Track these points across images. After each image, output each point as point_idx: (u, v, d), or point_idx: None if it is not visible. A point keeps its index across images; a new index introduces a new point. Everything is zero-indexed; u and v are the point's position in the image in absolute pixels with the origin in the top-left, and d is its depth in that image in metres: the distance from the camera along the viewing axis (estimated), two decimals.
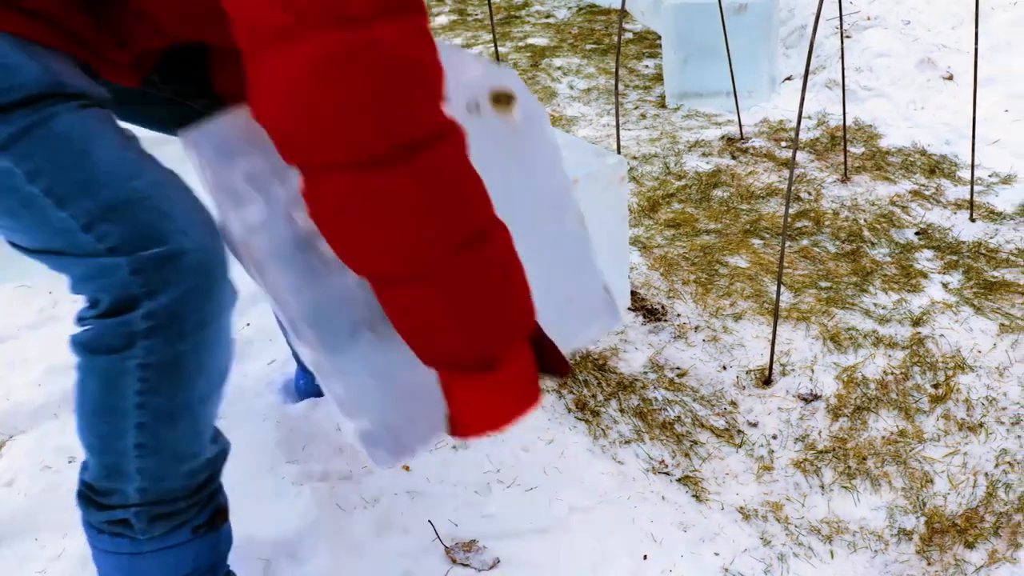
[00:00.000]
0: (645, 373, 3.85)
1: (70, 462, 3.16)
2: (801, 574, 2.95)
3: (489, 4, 5.02)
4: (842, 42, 5.75)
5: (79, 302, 1.98)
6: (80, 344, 1.99)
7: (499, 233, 1.81)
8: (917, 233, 5.10)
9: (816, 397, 3.71)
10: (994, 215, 5.29)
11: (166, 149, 2.17)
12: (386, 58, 1.58)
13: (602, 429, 3.51)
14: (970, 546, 3.05)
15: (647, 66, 8.54)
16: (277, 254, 1.92)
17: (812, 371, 3.86)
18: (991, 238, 5.02)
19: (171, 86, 2.41)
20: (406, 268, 1.73)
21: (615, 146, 5.35)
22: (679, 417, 3.61)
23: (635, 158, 6.33)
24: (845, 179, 5.83)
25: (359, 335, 2.02)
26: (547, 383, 2.94)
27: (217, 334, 2.03)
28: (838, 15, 5.89)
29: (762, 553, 3.00)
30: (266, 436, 3.20)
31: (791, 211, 5.34)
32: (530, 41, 9.29)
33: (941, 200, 5.52)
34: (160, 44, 2.19)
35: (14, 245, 2.04)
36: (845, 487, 3.28)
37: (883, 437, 3.50)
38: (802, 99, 3.65)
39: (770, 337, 3.81)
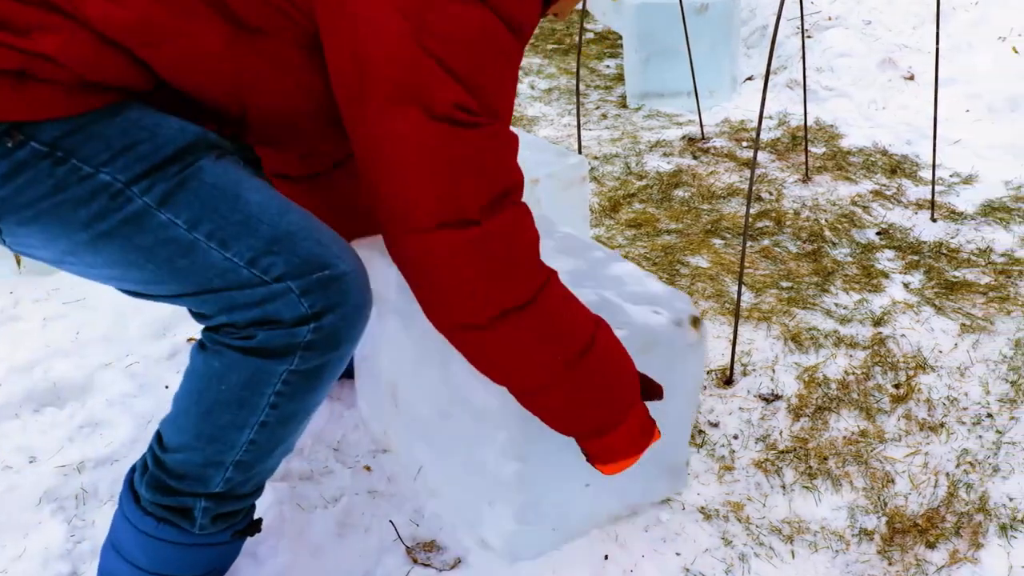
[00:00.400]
0: None
1: (31, 462, 3.13)
2: (762, 574, 2.93)
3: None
4: (803, 42, 5.75)
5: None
6: (233, 346, 2.15)
7: (600, 339, 2.33)
8: (878, 233, 5.10)
9: (777, 397, 3.70)
10: (955, 215, 5.30)
11: None
12: (492, 245, 2.10)
13: None
14: (931, 546, 3.04)
15: (608, 66, 8.55)
16: None
17: (773, 371, 3.85)
18: (952, 238, 5.03)
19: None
20: (532, 383, 2.29)
21: (576, 146, 5.35)
22: None
23: (596, 158, 6.32)
24: (806, 179, 5.83)
25: None
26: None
27: (351, 351, 2.28)
28: (799, 15, 5.89)
29: (723, 553, 2.99)
30: None
31: (752, 211, 5.34)
32: None
33: (902, 200, 5.53)
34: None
35: (139, 295, 2.23)
36: (806, 487, 3.27)
37: (844, 437, 3.49)
38: (763, 99, 3.64)
39: (731, 337, 3.79)
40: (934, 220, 5.22)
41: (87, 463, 3.11)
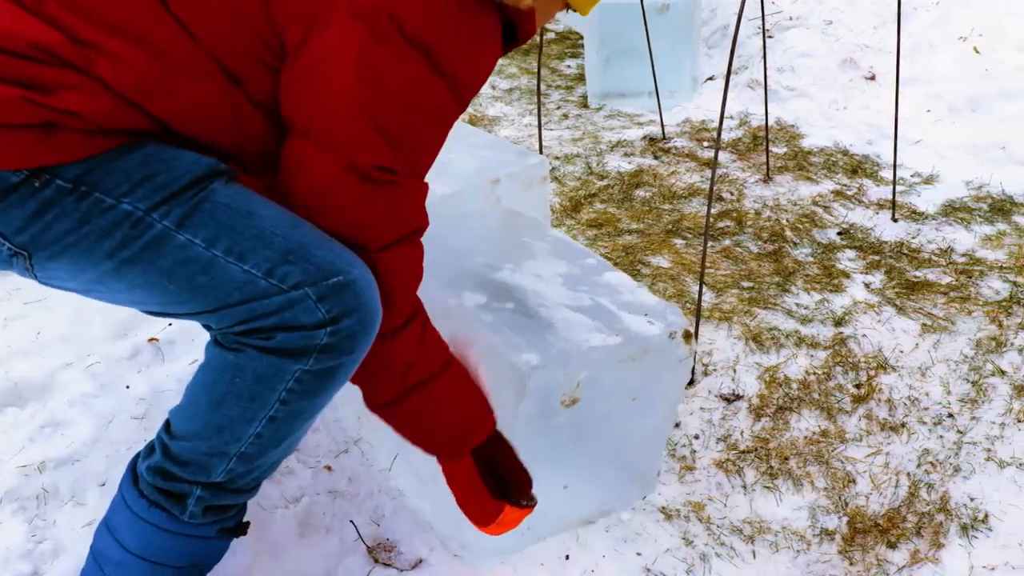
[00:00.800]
0: None
1: None
2: (723, 574, 2.92)
3: None
4: (764, 42, 5.76)
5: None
6: (252, 344, 2.23)
7: (450, 372, 2.52)
8: (839, 233, 5.10)
9: (738, 397, 3.69)
10: (916, 215, 5.31)
11: None
12: (379, 277, 2.28)
13: None
14: (892, 546, 3.04)
15: (569, 66, 8.55)
16: None
17: (734, 371, 3.85)
18: (913, 238, 5.03)
19: None
20: (382, 397, 2.48)
21: (537, 146, 5.34)
22: None
23: (557, 158, 6.31)
24: (767, 179, 5.83)
25: None
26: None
27: (363, 356, 2.32)
28: (760, 15, 5.89)
29: (684, 553, 2.98)
30: None
31: (713, 211, 5.33)
32: None
33: (863, 200, 5.53)
34: None
35: (163, 314, 2.34)
36: (767, 487, 3.26)
37: (805, 437, 3.49)
38: (724, 99, 3.63)
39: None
40: (895, 220, 5.23)
41: (48, 463, 3.07)
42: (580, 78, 8.11)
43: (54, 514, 2.92)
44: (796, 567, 2.97)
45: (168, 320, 3.71)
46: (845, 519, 3.14)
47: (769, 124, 6.32)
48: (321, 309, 2.17)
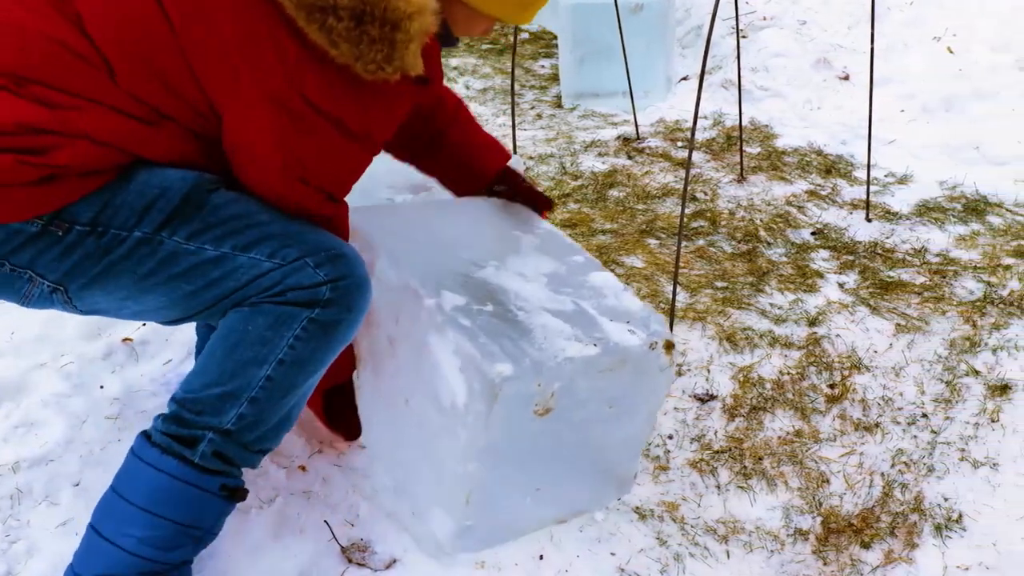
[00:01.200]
0: None
1: None
2: (697, 574, 2.92)
3: None
4: (738, 42, 5.76)
5: None
6: (266, 300, 2.53)
7: None
8: (813, 233, 5.11)
9: (712, 397, 3.69)
10: (890, 215, 5.31)
11: None
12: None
13: None
14: (866, 546, 3.03)
15: (543, 66, 8.55)
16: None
17: (708, 371, 3.84)
18: (887, 238, 5.04)
19: None
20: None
21: (511, 146, 5.32)
22: None
23: (531, 158, 6.29)
24: (741, 179, 5.83)
25: None
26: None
27: (359, 321, 2.65)
28: (734, 15, 5.89)
29: (658, 553, 2.97)
30: None
31: (687, 211, 5.33)
32: None
33: (837, 200, 5.54)
34: None
35: (186, 319, 2.68)
36: (741, 487, 3.26)
37: (779, 437, 3.49)
38: (698, 99, 3.63)
39: None
40: (869, 220, 5.24)
41: (22, 463, 3.06)
42: (554, 78, 8.11)
43: (28, 514, 2.92)
44: (770, 567, 2.97)
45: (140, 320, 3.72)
46: (819, 519, 3.13)
47: (743, 124, 6.32)
48: (320, 273, 2.51)
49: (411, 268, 2.89)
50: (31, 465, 3.07)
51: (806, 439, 3.48)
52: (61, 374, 3.43)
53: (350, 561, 2.85)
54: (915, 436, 3.51)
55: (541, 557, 2.89)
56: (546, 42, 9.15)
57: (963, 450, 3.45)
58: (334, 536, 2.92)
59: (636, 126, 6.73)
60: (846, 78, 7.18)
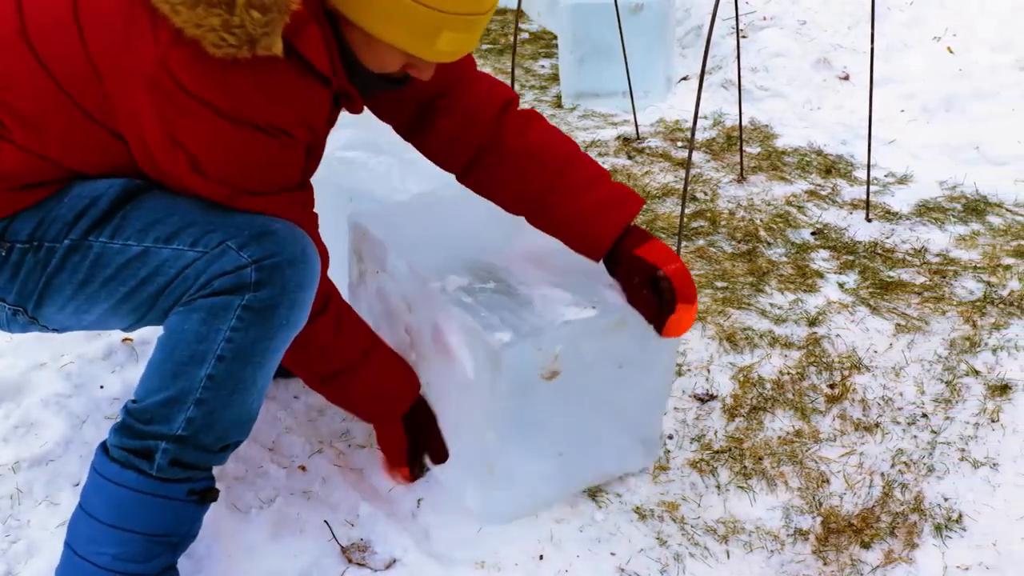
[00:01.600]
0: None
1: None
2: (697, 574, 2.92)
3: None
4: (738, 42, 5.76)
5: None
6: (197, 296, 2.43)
7: (365, 365, 2.89)
8: (813, 233, 5.10)
9: (712, 397, 3.68)
10: (890, 215, 5.31)
11: None
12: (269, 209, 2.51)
13: None
14: (866, 546, 3.03)
15: (543, 66, 8.54)
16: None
17: (708, 371, 3.84)
18: (887, 238, 5.04)
19: None
20: (310, 382, 2.96)
21: None
22: None
23: None
24: (741, 179, 5.83)
25: None
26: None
27: (304, 300, 2.51)
28: (734, 15, 5.89)
29: (658, 553, 2.97)
30: None
31: (687, 211, 5.32)
32: None
33: (837, 200, 5.54)
34: None
35: (135, 326, 2.64)
36: (741, 487, 3.25)
37: (779, 437, 3.48)
38: (698, 99, 3.63)
39: None
40: (869, 220, 5.23)
41: (22, 463, 3.07)
42: (554, 78, 8.10)
43: (28, 514, 2.93)
44: (770, 567, 2.97)
45: None
46: (819, 519, 3.13)
47: (743, 124, 6.32)
48: (243, 255, 2.39)
49: (419, 258, 2.99)
50: (31, 465, 3.07)
51: (806, 439, 3.48)
52: (61, 374, 3.44)
53: (350, 561, 2.85)
54: (915, 436, 3.51)
55: (541, 557, 2.90)
56: (546, 42, 9.14)
57: (963, 450, 3.45)
58: (334, 536, 2.92)
59: (636, 126, 6.73)
60: (846, 78, 7.18)
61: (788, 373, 3.84)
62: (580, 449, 3.04)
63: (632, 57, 6.54)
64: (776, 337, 4.09)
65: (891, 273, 4.65)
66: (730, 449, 3.41)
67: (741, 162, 5.94)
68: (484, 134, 2.96)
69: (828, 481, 3.29)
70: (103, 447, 2.54)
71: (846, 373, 3.85)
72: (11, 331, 2.61)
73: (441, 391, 3.03)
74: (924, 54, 7.22)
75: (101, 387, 3.42)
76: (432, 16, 2.33)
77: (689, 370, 3.84)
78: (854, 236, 5.06)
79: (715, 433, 3.50)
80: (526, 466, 2.95)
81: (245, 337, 2.43)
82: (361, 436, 3.32)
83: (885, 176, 5.84)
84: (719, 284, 4.53)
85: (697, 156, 6.25)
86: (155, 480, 2.47)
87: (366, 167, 3.74)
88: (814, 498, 3.21)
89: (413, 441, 3.07)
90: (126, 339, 3.61)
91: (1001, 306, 4.37)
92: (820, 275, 4.63)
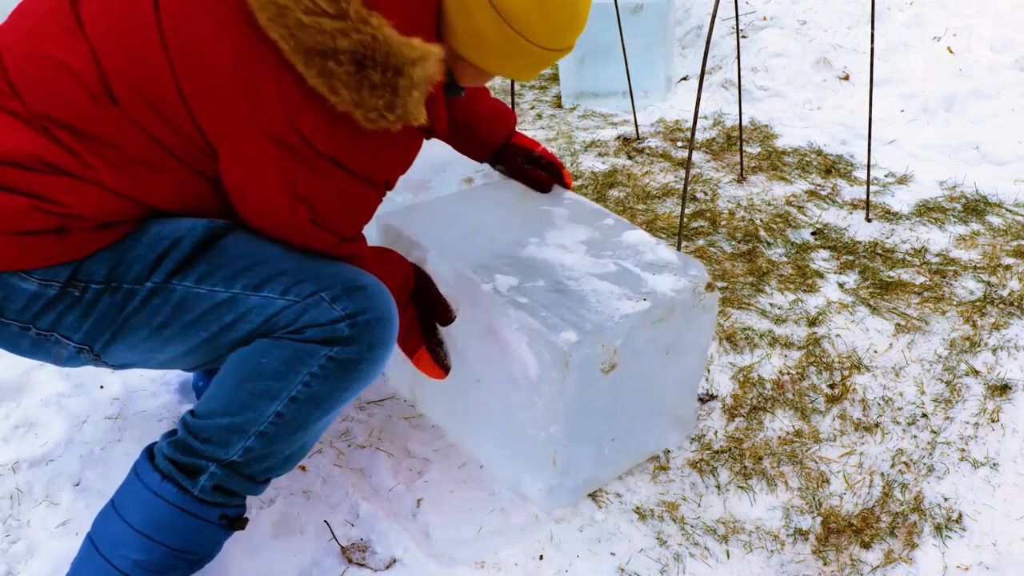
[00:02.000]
0: None
1: None
2: (697, 574, 2.92)
3: None
4: (738, 42, 5.74)
5: None
6: (286, 336, 2.46)
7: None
8: (813, 233, 5.10)
9: (712, 397, 3.68)
10: (890, 215, 5.31)
11: None
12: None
13: None
14: (866, 546, 3.03)
15: None
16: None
17: (708, 371, 3.84)
18: (887, 238, 5.03)
19: None
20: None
21: None
22: None
23: None
24: (741, 179, 5.83)
25: None
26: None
27: (384, 358, 2.56)
28: (734, 15, 5.89)
29: (658, 553, 2.97)
30: None
31: (687, 211, 5.33)
32: None
33: (837, 200, 5.53)
34: None
35: (207, 364, 2.62)
36: (741, 487, 3.25)
37: (779, 437, 3.48)
38: (698, 99, 3.63)
39: None
40: (869, 220, 5.23)
41: (22, 463, 3.07)
42: (554, 78, 8.10)
43: (28, 514, 2.93)
44: (770, 567, 2.96)
45: None
46: (819, 519, 3.13)
47: (743, 124, 6.32)
48: (336, 308, 2.43)
49: (460, 258, 3.06)
50: (31, 465, 3.08)
51: (806, 439, 3.48)
52: (61, 374, 3.44)
53: (350, 561, 2.85)
54: (915, 436, 3.51)
55: (541, 557, 2.90)
56: None
57: (963, 450, 3.45)
58: (334, 536, 2.93)
59: (636, 126, 6.72)
60: (846, 78, 7.18)
61: (788, 373, 3.84)
62: (628, 432, 3.18)
63: (632, 57, 6.55)
64: (776, 337, 4.09)
65: (891, 273, 4.65)
66: (730, 449, 3.41)
67: (741, 162, 5.93)
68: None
69: (828, 481, 3.29)
70: (148, 451, 2.57)
71: (846, 373, 3.85)
72: (62, 365, 2.56)
73: (494, 390, 3.09)
74: (924, 54, 7.21)
75: (101, 387, 3.42)
76: (544, 54, 2.64)
77: None
78: (854, 236, 5.06)
79: (715, 433, 3.50)
80: (583, 454, 3.05)
81: (323, 386, 2.48)
82: (361, 436, 3.32)
83: (885, 176, 5.84)
84: (719, 284, 4.52)
85: (697, 156, 6.25)
86: (194, 500, 2.50)
87: None
88: (814, 498, 3.21)
89: (421, 311, 3.12)
90: None
91: (1001, 306, 4.37)
92: (820, 275, 4.63)
